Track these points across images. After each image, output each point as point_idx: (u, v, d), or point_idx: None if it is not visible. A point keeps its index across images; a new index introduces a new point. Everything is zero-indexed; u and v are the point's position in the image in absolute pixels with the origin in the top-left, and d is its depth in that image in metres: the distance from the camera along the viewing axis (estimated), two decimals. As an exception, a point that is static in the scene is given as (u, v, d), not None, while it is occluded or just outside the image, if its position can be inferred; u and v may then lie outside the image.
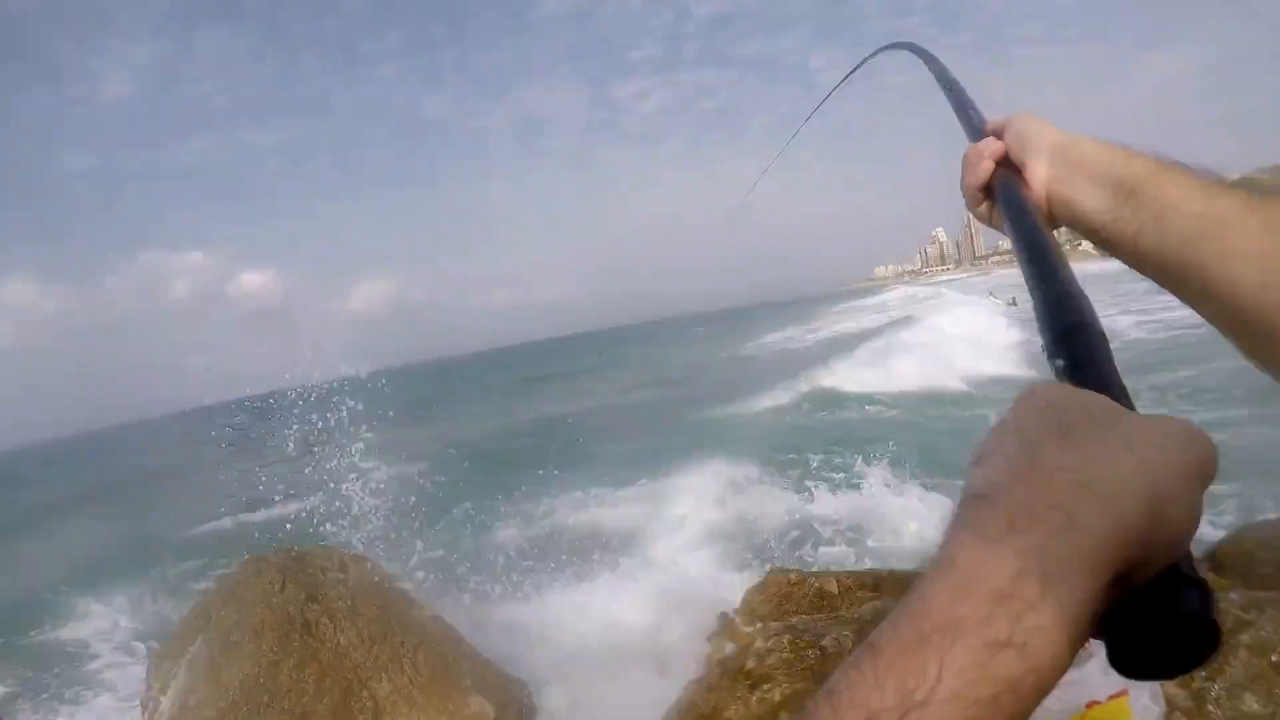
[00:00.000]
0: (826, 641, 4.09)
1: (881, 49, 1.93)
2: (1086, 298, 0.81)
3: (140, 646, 11.87)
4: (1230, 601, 3.36)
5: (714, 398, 33.22)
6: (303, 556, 8.34)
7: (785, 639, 4.17)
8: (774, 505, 15.98)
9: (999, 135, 1.22)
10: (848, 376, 30.39)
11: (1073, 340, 0.75)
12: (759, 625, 5.47)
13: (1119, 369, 0.72)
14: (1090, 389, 0.63)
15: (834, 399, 26.95)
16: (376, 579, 8.52)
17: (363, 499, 12.05)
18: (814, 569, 7.36)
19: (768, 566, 8.32)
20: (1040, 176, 1.12)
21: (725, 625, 6.44)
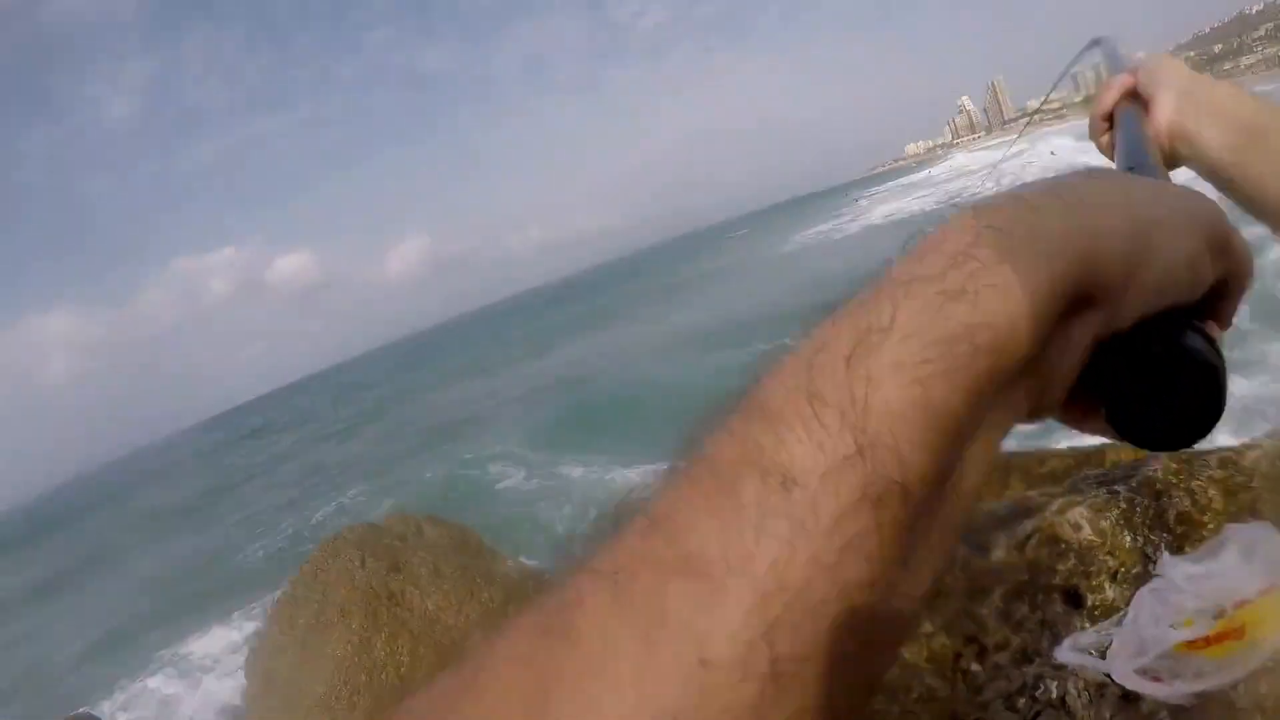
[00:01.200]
0: None
1: (1084, 49, 1.77)
2: None
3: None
4: None
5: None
6: (377, 528, 8.41)
7: None
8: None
9: (1133, 73, 1.21)
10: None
11: None
12: None
13: None
14: None
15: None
16: (455, 537, 8.57)
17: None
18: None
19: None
20: (1165, 111, 1.12)
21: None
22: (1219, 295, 0.52)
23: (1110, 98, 1.21)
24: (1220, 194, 1.03)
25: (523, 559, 9.10)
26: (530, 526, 14.17)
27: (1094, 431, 0.51)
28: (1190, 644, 2.63)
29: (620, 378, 27.56)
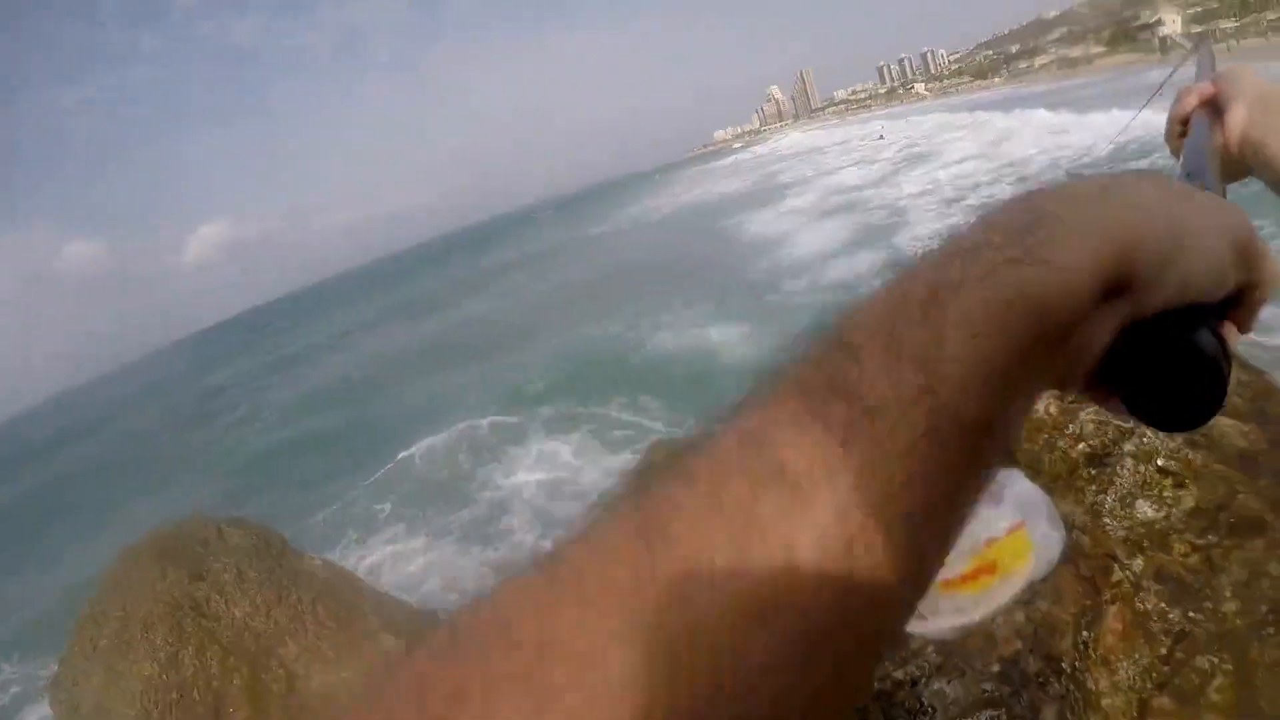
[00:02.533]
0: None
1: (1190, 50, 1.80)
2: None
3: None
4: (1107, 414, 3.41)
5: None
6: (176, 534, 8.04)
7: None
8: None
9: (1214, 82, 1.23)
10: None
11: None
12: None
13: None
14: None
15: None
16: (258, 539, 8.28)
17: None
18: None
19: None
20: (1238, 120, 1.13)
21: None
22: (1240, 301, 0.57)
23: (1189, 103, 1.23)
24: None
25: (328, 556, 8.95)
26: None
27: (1111, 409, 0.57)
28: (948, 582, 2.77)
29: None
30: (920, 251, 0.51)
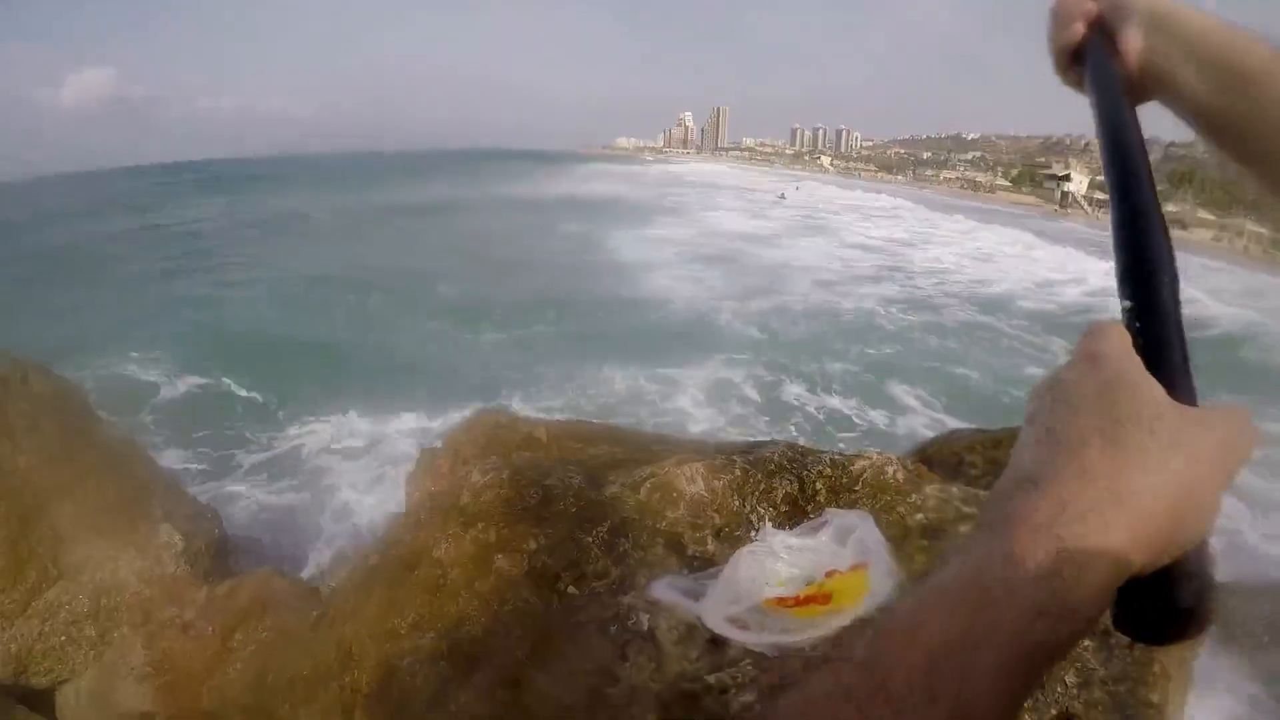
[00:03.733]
0: (551, 481, 3.99)
1: None
2: (1163, 223, 0.79)
3: None
4: (951, 494, 3.64)
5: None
6: (-22, 366, 7.69)
7: (505, 474, 4.03)
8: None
9: (1098, 1, 1.10)
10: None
11: (1140, 284, 0.75)
12: (472, 462, 5.30)
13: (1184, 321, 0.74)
14: (1151, 353, 0.69)
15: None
16: (62, 392, 8.00)
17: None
18: (520, 414, 7.37)
19: (474, 406, 8.44)
20: (1134, 46, 1.04)
21: (428, 460, 6.40)
22: None
23: (1074, 32, 1.10)
24: (1198, 135, 1.03)
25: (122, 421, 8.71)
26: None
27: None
28: (780, 600, 2.94)
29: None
30: (950, 569, 0.58)
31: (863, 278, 35.06)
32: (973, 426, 6.53)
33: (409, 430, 13.33)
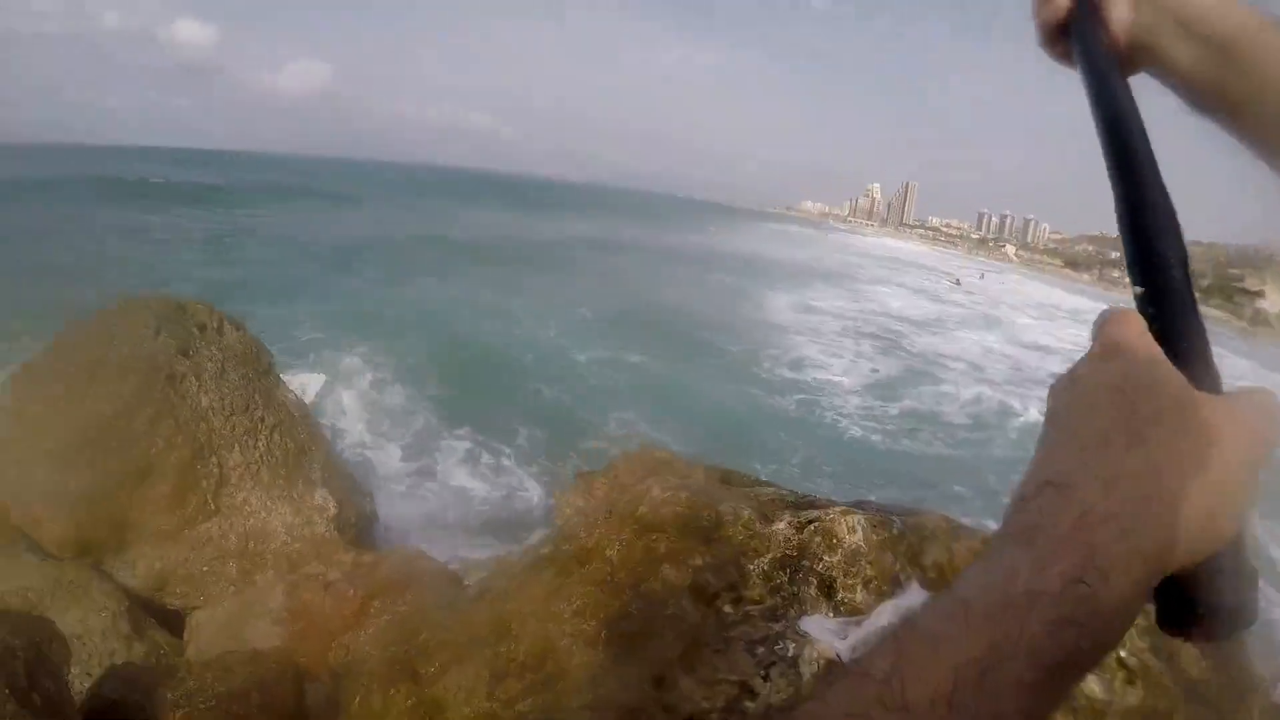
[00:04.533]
0: (724, 508, 4.11)
1: None
2: (1170, 205, 0.77)
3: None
4: None
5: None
6: (184, 308, 8.29)
7: (683, 495, 4.20)
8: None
9: None
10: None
11: (1152, 267, 0.74)
12: (649, 479, 5.41)
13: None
14: (1168, 340, 0.67)
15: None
16: (253, 349, 8.57)
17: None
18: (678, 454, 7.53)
19: (638, 442, 8.67)
20: (1121, 18, 1.01)
21: (584, 483, 6.62)
22: None
23: (1059, 6, 1.06)
24: (1189, 107, 0.99)
25: (301, 394, 9.14)
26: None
27: None
28: None
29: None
30: (972, 580, 0.56)
31: (1036, 381, 32.87)
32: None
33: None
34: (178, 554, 7.05)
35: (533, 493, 11.12)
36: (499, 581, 4.46)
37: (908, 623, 0.55)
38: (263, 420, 7.82)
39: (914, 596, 3.55)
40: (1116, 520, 0.55)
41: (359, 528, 7.99)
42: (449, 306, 25.56)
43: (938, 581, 3.85)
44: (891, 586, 3.81)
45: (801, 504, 4.48)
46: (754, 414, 20.18)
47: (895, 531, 4.00)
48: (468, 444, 13.25)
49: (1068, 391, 0.66)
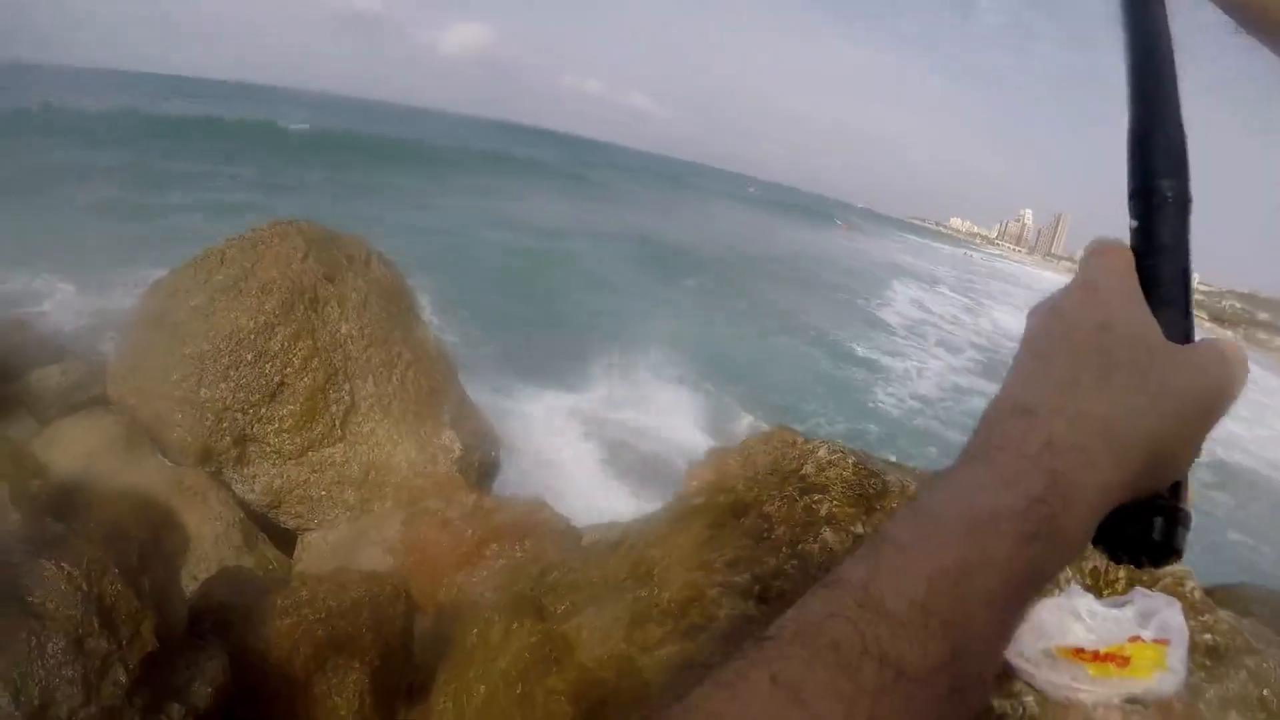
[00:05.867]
0: (890, 478, 4.03)
1: None
2: (1183, 143, 0.75)
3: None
4: (1243, 625, 3.59)
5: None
6: (335, 238, 8.36)
7: (850, 459, 4.08)
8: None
9: None
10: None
11: (1150, 206, 0.74)
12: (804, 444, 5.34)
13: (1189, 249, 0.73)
14: (1151, 282, 0.71)
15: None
16: (399, 286, 8.60)
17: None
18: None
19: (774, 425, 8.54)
20: None
21: (717, 458, 6.52)
22: None
23: None
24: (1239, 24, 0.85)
25: (440, 336, 9.18)
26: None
27: None
28: (1078, 651, 2.89)
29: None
30: (941, 494, 0.61)
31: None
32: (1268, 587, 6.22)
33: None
34: (298, 474, 7.12)
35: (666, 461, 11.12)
36: (639, 530, 4.35)
37: (880, 534, 0.60)
38: (400, 356, 7.82)
39: (1076, 595, 3.38)
40: (1079, 452, 0.61)
41: (482, 472, 7.96)
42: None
43: (1092, 586, 3.70)
44: (1052, 584, 3.64)
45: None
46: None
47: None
48: (602, 408, 13.32)
49: (1047, 320, 0.71)
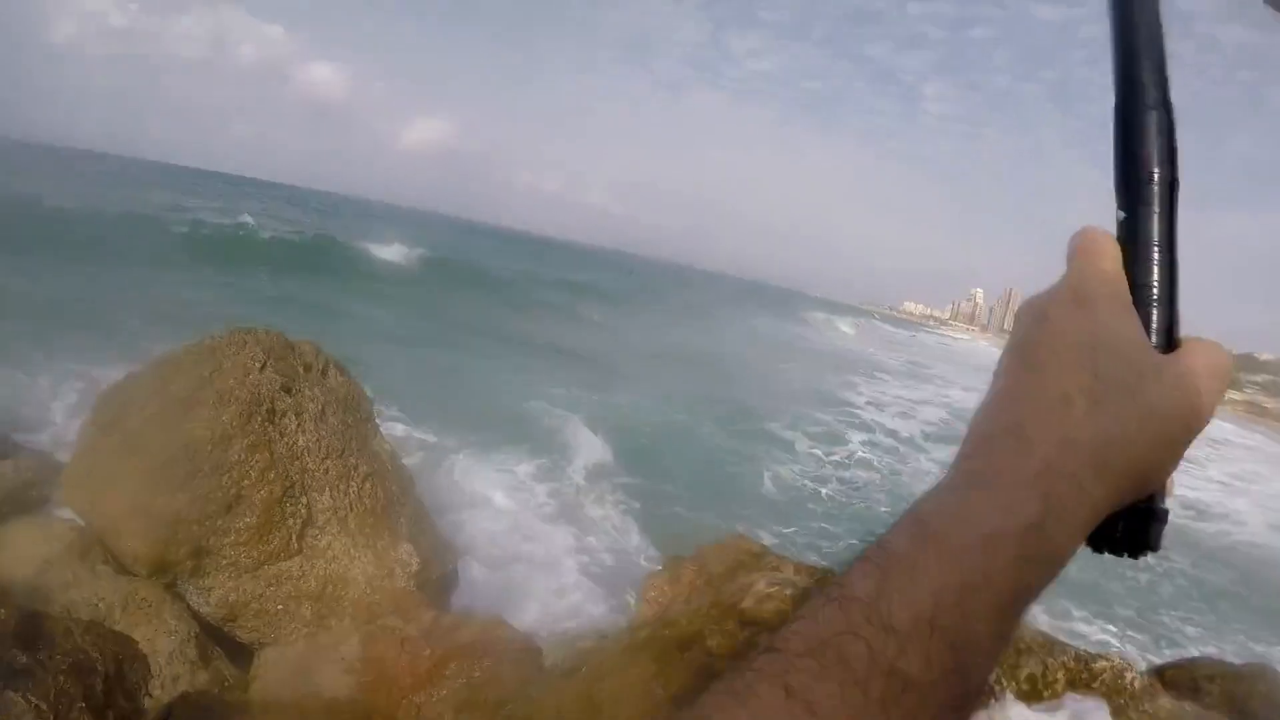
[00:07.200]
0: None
1: None
2: (1172, 124, 0.73)
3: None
4: (1185, 710, 3.74)
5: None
6: (293, 346, 8.48)
7: (789, 591, 4.23)
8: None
9: None
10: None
11: (1139, 200, 0.73)
12: (764, 571, 5.39)
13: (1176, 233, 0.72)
14: (1137, 279, 0.72)
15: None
16: (355, 395, 8.72)
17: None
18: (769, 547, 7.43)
19: (738, 528, 8.61)
20: None
21: (673, 568, 6.58)
22: None
23: None
24: None
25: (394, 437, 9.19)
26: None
27: None
28: None
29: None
30: (941, 513, 0.65)
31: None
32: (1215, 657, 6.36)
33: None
34: (255, 587, 7.13)
35: (623, 573, 10.99)
36: (595, 659, 4.43)
37: (884, 549, 0.63)
38: (356, 468, 7.90)
39: (1010, 704, 3.52)
40: (1073, 478, 0.64)
41: (441, 586, 8.01)
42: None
43: (1029, 693, 3.84)
44: (988, 696, 3.78)
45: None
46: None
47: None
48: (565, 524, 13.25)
49: (1037, 329, 0.73)
